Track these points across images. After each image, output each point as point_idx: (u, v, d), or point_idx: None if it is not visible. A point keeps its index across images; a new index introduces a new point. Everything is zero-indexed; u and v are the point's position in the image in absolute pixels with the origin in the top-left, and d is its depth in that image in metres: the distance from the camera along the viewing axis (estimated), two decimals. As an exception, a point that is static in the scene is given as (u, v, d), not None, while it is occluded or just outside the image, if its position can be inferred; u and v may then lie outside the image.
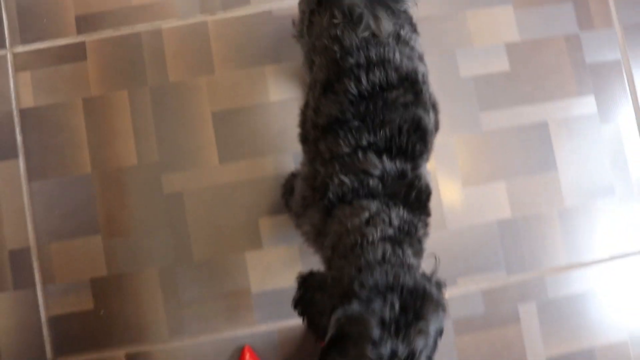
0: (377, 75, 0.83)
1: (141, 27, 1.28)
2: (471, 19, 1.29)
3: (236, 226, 1.23)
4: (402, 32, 0.88)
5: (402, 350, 0.68)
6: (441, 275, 1.23)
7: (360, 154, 0.82)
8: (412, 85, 0.85)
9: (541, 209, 1.28)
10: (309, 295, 0.76)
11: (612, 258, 1.28)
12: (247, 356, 1.20)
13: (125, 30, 1.28)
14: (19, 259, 1.23)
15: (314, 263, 1.22)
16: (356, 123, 0.83)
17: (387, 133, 0.82)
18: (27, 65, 1.28)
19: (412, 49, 0.89)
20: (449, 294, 1.24)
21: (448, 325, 1.24)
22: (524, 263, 1.26)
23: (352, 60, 0.84)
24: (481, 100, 1.28)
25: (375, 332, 0.68)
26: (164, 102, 1.26)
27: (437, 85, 1.26)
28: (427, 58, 1.25)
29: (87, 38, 1.28)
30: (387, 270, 0.75)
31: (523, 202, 1.27)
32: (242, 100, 1.26)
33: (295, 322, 1.22)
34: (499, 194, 1.27)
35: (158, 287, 1.23)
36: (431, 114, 0.88)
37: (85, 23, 1.29)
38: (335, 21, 0.86)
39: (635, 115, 1.32)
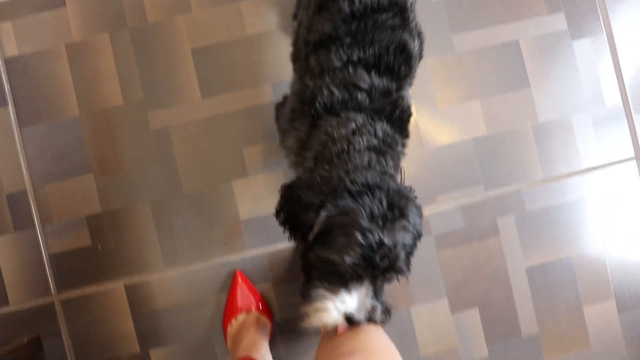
0: None
1: (116, -31, 1.31)
2: (439, -58, 1.31)
3: (222, 157, 1.28)
4: None
5: (387, 241, 0.73)
6: (421, 193, 1.28)
7: (350, 68, 0.87)
8: (400, 11, 0.89)
9: (516, 125, 1.32)
10: (296, 194, 0.81)
11: (586, 170, 1.33)
12: (239, 280, 1.26)
13: (101, -27, 1.31)
14: (17, 202, 1.29)
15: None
16: (348, 40, 0.88)
17: (376, 51, 0.87)
18: (7, 14, 1.31)
19: None
20: (429, 211, 1.30)
21: (430, 241, 1.29)
22: (501, 178, 1.31)
23: None
24: (452, 23, 1.30)
25: (365, 222, 0.73)
26: (144, 42, 1.29)
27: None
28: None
29: (65, -16, 1.31)
30: (374, 173, 0.80)
31: (498, 119, 1.31)
32: (219, 36, 1.29)
33: (284, 245, 1.27)
34: (474, 113, 1.31)
35: (151, 220, 1.28)
36: (416, 41, 0.93)
37: (61, -31, 1.32)
38: None
39: (605, 29, 1.34)
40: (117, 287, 1.28)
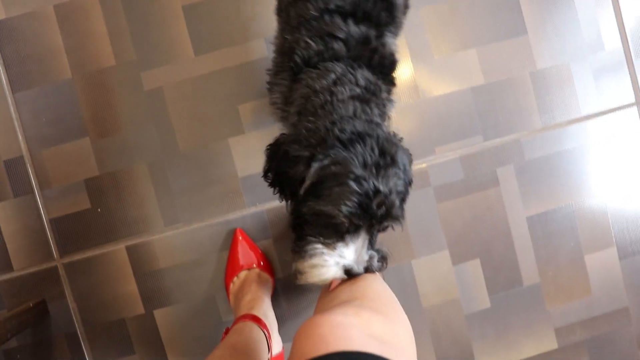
0: None
1: None
2: None
3: (217, 114, 1.27)
4: None
5: (383, 188, 0.72)
6: (420, 145, 1.27)
7: (326, 17, 0.85)
8: None
9: (513, 73, 1.30)
10: (282, 150, 0.80)
11: (586, 118, 1.31)
12: (239, 237, 1.26)
13: None
14: (15, 167, 1.29)
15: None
16: (334, 9, 0.86)
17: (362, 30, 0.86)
18: (-6, -23, 1.29)
19: None
20: (428, 163, 1.29)
21: (429, 193, 1.29)
22: (500, 127, 1.30)
23: None
24: (447, -32, 1.28)
25: (359, 170, 0.72)
26: (133, 0, 1.27)
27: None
28: None
29: (50, -57, 1.28)
30: (360, 122, 0.78)
31: (495, 68, 1.29)
32: (209, -9, 1.27)
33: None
34: (470, 62, 1.29)
35: (149, 181, 1.28)
36: None
37: None
38: None
39: (604, -29, 1.31)
40: (118, 249, 1.28)
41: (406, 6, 1.00)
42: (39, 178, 1.29)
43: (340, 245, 0.76)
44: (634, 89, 1.32)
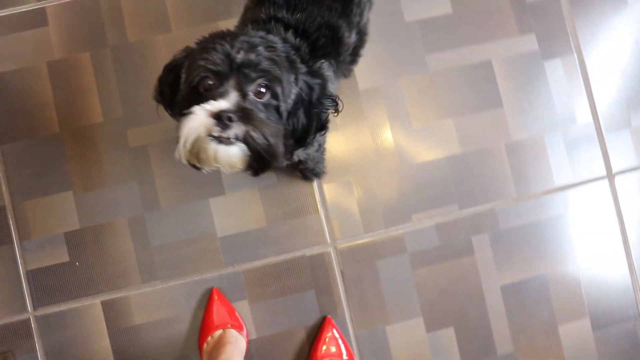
0: None
1: (98, -10, 1.34)
2: (413, -35, 1.35)
3: (199, 174, 1.28)
4: None
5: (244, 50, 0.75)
6: (397, 212, 1.29)
7: (272, 22, 0.91)
8: (344, 0, 0.94)
9: (489, 144, 1.34)
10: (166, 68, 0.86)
11: (559, 189, 1.35)
12: (215, 297, 1.26)
13: (83, -6, 1.34)
14: (-4, 218, 1.30)
15: (274, 205, 1.29)
16: (281, 0, 0.92)
17: (302, 19, 0.91)
18: (-10, 32, 1.33)
19: None
20: (404, 230, 1.31)
21: (405, 260, 1.30)
22: (475, 196, 1.33)
23: None
24: (426, 43, 1.33)
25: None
26: (124, 61, 1.31)
27: (383, 31, 1.33)
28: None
29: (47, 4, 1.33)
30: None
31: (471, 138, 1.33)
32: (198, 55, 1.31)
33: (261, 262, 1.28)
34: (447, 132, 1.33)
35: (129, 236, 1.29)
36: (354, 35, 0.96)
37: (44, -11, 1.34)
38: None
39: (575, 51, 1.37)
40: (93, 303, 1.28)
41: (357, 54, 1.05)
42: (19, 229, 1.30)
43: (210, 101, 0.74)
44: (604, 161, 1.36)
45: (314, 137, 0.86)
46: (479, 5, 1.34)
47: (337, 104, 0.84)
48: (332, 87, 0.94)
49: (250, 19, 0.95)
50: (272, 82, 0.76)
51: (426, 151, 1.32)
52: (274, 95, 0.77)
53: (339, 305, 1.29)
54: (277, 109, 0.78)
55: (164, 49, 1.31)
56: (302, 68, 0.82)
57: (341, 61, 0.97)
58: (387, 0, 1.33)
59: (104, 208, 1.30)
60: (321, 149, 1.11)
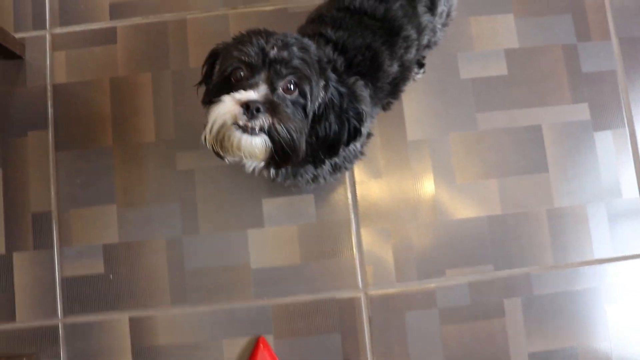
0: (369, 4, 0.96)
1: (168, 17, 1.39)
2: (474, 24, 1.37)
3: (241, 204, 1.32)
4: (419, 4, 1.00)
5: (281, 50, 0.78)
6: (431, 265, 1.29)
7: (315, 37, 0.95)
8: (390, 29, 0.96)
9: (531, 208, 1.33)
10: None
11: (598, 261, 1.33)
12: (261, 347, 1.25)
13: (153, 19, 1.39)
14: (41, 221, 1.34)
15: (310, 243, 1.30)
16: (328, 19, 0.96)
17: (344, 37, 0.94)
18: (63, 45, 1.40)
19: (416, 15, 0.99)
20: (437, 283, 1.30)
21: (434, 314, 1.29)
22: (512, 259, 1.32)
23: None
24: (478, 102, 1.35)
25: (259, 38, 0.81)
26: (183, 85, 1.36)
27: (437, 84, 1.35)
28: (430, 59, 1.34)
29: (119, 24, 1.40)
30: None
31: (514, 200, 1.33)
32: (254, 89, 1.35)
33: (291, 299, 1.29)
34: (490, 191, 1.33)
35: (164, 256, 1.31)
36: (395, 65, 0.98)
37: (117, 10, 1.41)
38: None
39: (627, 125, 1.37)
40: (121, 318, 1.30)
41: (398, 88, 1.06)
42: (61, 235, 1.34)
43: (240, 90, 0.77)
44: (648, 239, 1.34)
45: (346, 145, 0.88)
46: (535, 69, 1.36)
47: (362, 118, 0.85)
48: (367, 110, 0.95)
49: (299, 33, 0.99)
50: (301, 80, 0.78)
51: (467, 208, 1.32)
52: (302, 94, 0.79)
53: (363, 351, 1.28)
54: (303, 108, 0.80)
55: (223, 79, 1.35)
56: (333, 76, 0.84)
57: (379, 88, 0.98)
58: (444, 56, 1.35)
59: (144, 225, 1.33)
60: (359, 152, 1.09)
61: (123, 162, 1.35)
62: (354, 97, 0.87)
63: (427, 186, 1.33)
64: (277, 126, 0.75)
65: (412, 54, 1.01)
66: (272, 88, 0.77)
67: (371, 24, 0.95)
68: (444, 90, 1.34)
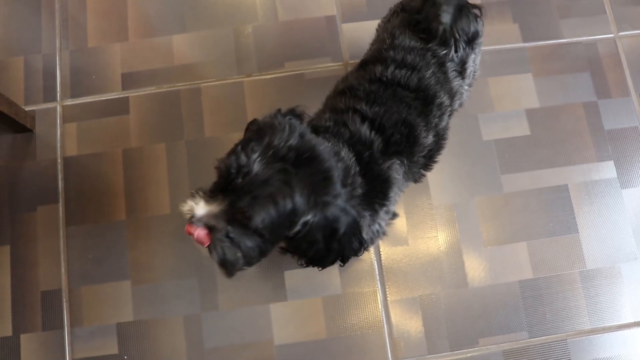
0: (402, 73, 0.97)
1: (181, 86, 1.42)
2: (493, 85, 1.41)
3: (262, 277, 1.31)
4: (448, 64, 1.02)
5: (254, 168, 0.76)
6: (463, 334, 1.27)
7: (350, 113, 0.95)
8: (424, 99, 0.98)
9: (563, 270, 1.33)
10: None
11: (636, 324, 1.32)
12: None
13: (166, 88, 1.42)
14: (50, 300, 1.32)
15: (336, 316, 1.28)
16: (361, 93, 0.97)
17: (380, 112, 0.95)
18: (74, 117, 1.42)
19: (447, 81, 1.02)
20: (470, 353, 1.28)
21: (469, 387, 1.27)
22: (546, 325, 1.30)
23: (391, 54, 1.00)
24: (502, 163, 1.36)
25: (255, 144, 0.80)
26: (198, 155, 1.38)
27: (460, 147, 1.37)
28: (450, 122, 1.35)
29: (131, 94, 1.42)
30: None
31: (544, 263, 1.33)
32: (272, 156, 1.37)
33: (316, 376, 1.26)
34: (520, 255, 1.33)
35: (182, 334, 1.29)
36: (431, 136, 0.99)
37: (130, 80, 1.43)
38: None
39: (655, 181, 1.39)
40: (137, 403, 1.26)
41: (432, 159, 1.06)
42: (72, 315, 1.31)
43: (201, 197, 0.80)
44: (686, 299, 1.33)
45: (336, 262, 0.88)
46: (557, 129, 1.38)
47: (361, 249, 0.85)
48: (398, 191, 0.96)
49: (329, 107, 1.00)
50: (256, 213, 0.75)
51: (497, 273, 1.32)
52: (256, 224, 0.77)
53: None
54: (259, 234, 0.78)
55: (240, 148, 1.36)
56: (341, 200, 0.81)
57: (414, 162, 0.99)
58: (465, 118, 1.38)
59: (160, 302, 1.31)
60: (382, 233, 1.08)
61: (137, 236, 1.34)
62: (354, 224, 0.83)
63: (455, 252, 1.32)
64: (217, 247, 0.78)
65: (445, 121, 1.04)
66: (231, 206, 0.77)
67: (405, 96, 0.97)
68: (467, 153, 1.36)
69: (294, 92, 1.40)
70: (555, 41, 1.45)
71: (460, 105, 1.16)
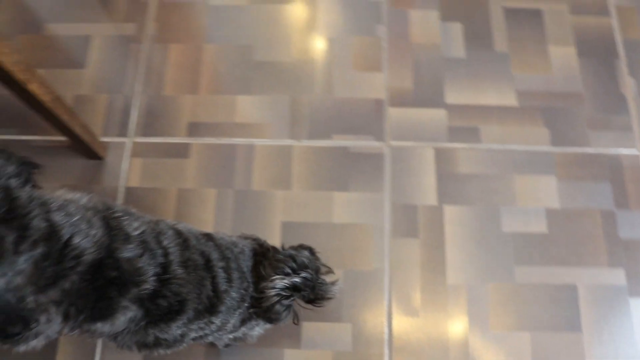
0: None
1: (238, 141, 1.66)
2: (517, 182, 1.59)
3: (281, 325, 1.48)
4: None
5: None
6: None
7: None
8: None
9: (562, 366, 1.45)
10: None
11: None
12: None
13: (225, 141, 1.67)
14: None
15: (344, 372, 1.44)
16: None
17: None
18: (141, 153, 1.67)
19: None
20: None
21: None
22: (540, 416, 1.42)
23: None
24: (517, 255, 1.53)
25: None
26: (244, 204, 1.59)
27: (480, 234, 1.54)
28: (473, 210, 1.54)
29: (194, 141, 1.67)
30: None
31: (545, 356, 1.46)
32: (309, 217, 1.58)
33: None
34: (523, 344, 1.46)
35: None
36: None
37: (194, 129, 1.69)
38: None
39: (663, 295, 1.51)
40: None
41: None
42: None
43: None
44: (682, 414, 1.43)
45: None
46: (574, 231, 1.54)
47: None
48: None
49: None
50: None
51: (499, 358, 1.45)
52: None
53: None
54: None
55: (282, 204, 1.58)
56: None
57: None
58: (488, 207, 1.56)
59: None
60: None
61: (177, 267, 1.55)
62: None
63: (461, 331, 1.47)
64: None
65: None
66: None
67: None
68: (485, 240, 1.53)
69: (336, 163, 1.62)
70: (581, 149, 1.62)
71: None
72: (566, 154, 1.62)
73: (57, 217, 0.70)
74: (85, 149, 1.62)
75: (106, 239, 0.77)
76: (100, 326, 0.80)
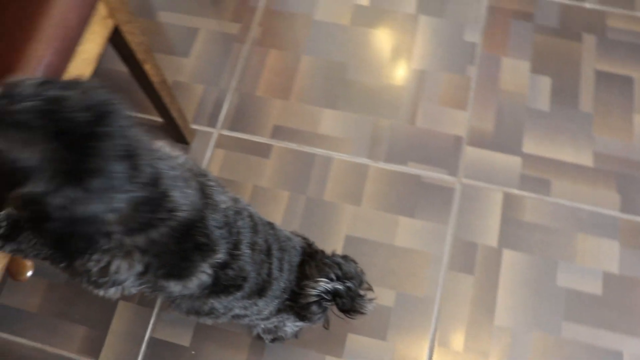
0: None
1: (318, 151, 1.77)
2: (580, 240, 1.64)
3: (325, 331, 1.58)
4: None
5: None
6: None
7: None
8: None
9: None
10: None
11: None
12: None
13: (305, 149, 1.78)
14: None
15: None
16: None
17: None
18: (225, 145, 1.80)
19: None
20: None
21: None
22: None
23: None
24: (568, 311, 1.57)
25: None
26: (313, 212, 1.70)
27: (535, 283, 1.59)
28: (532, 258, 1.59)
29: (276, 143, 1.79)
30: None
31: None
32: (372, 235, 1.67)
33: None
34: (559, 398, 1.51)
35: (245, 353, 1.57)
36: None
37: (278, 132, 1.81)
38: None
39: None
40: (193, 395, 1.55)
41: None
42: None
43: None
44: None
45: None
46: (628, 299, 1.58)
47: None
48: None
49: None
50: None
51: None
52: None
53: None
54: None
55: (349, 218, 1.68)
56: None
57: None
58: (547, 259, 1.61)
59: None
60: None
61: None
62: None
63: (499, 372, 1.53)
64: None
65: None
66: None
67: None
68: (539, 290, 1.59)
69: (407, 189, 1.71)
70: (650, 221, 1.66)
71: None
72: (634, 222, 1.66)
73: (162, 166, 0.72)
74: (175, 132, 1.76)
75: (200, 204, 0.80)
76: (172, 285, 0.84)
